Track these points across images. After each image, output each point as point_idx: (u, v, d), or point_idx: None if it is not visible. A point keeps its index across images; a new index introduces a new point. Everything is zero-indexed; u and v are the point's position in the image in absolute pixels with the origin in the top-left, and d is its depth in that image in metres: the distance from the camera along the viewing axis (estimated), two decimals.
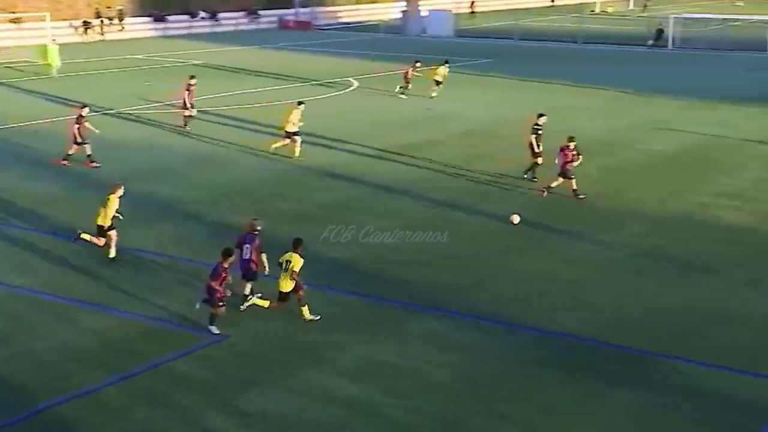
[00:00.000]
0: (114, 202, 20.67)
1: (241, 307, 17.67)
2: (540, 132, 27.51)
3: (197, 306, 17.11)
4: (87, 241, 20.82)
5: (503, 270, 20.67)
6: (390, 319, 17.88)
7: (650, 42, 65.27)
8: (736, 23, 70.20)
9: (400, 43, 68.34)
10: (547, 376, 15.59)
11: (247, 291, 17.96)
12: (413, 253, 21.55)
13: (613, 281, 20.03)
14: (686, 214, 24.81)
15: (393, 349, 16.37)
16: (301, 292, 17.35)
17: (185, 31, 73.49)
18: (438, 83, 42.74)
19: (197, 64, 54.62)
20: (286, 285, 17.29)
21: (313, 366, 15.87)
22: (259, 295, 17.75)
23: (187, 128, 34.77)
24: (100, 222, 20.61)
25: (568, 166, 25.61)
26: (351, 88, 46.66)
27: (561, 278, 19.96)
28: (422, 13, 76.99)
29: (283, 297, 17.43)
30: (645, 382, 15.34)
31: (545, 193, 26.04)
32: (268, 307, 17.55)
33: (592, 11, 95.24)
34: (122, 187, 21.06)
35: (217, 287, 16.71)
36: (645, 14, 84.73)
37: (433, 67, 44.26)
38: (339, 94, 45.08)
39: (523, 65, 54.87)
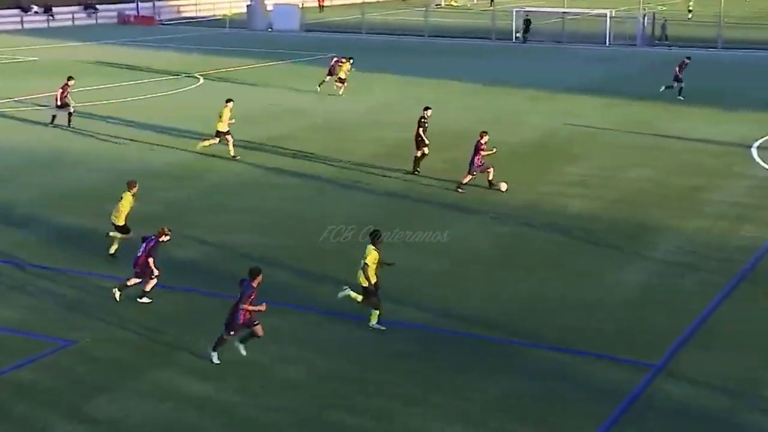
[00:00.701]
0: (128, 199, 20.42)
1: (339, 295, 17.41)
2: (426, 125, 28.02)
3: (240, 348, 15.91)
4: (112, 235, 20.76)
5: (358, 264, 20.82)
6: None
7: (518, 34, 67.06)
8: (576, 17, 72.80)
9: (246, 38, 67.81)
10: (406, 368, 15.83)
11: (131, 283, 18.06)
12: (267, 250, 21.46)
13: (469, 273, 20.48)
14: (533, 204, 25.63)
15: (246, 347, 16.27)
16: (372, 298, 17.09)
17: (17, 26, 70.79)
18: (342, 80, 42.43)
19: (33, 61, 52.71)
20: (361, 279, 17.13)
21: (165, 367, 15.64)
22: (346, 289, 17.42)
23: (71, 126, 34.34)
24: (114, 221, 20.52)
25: (481, 161, 26.10)
26: (196, 84, 46.02)
27: (419, 271, 20.26)
28: (268, 8, 76.60)
29: (362, 291, 17.18)
30: (505, 371, 15.80)
31: (459, 190, 26.30)
32: (361, 302, 17.27)
33: (438, 4, 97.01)
34: (137, 186, 20.73)
35: (246, 309, 15.52)
36: (491, 7, 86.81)
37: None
38: (184, 90, 44.38)
39: (370, 59, 55.32)
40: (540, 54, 60.20)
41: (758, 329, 17.45)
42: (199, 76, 48.02)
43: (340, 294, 17.44)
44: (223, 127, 29.68)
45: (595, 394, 15.00)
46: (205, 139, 30.42)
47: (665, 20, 67.11)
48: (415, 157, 28.30)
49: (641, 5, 70.82)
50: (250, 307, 15.47)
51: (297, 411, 14.33)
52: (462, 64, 55.10)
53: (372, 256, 16.96)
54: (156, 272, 17.98)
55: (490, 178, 26.48)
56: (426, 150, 28.20)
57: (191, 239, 22.03)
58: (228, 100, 30.35)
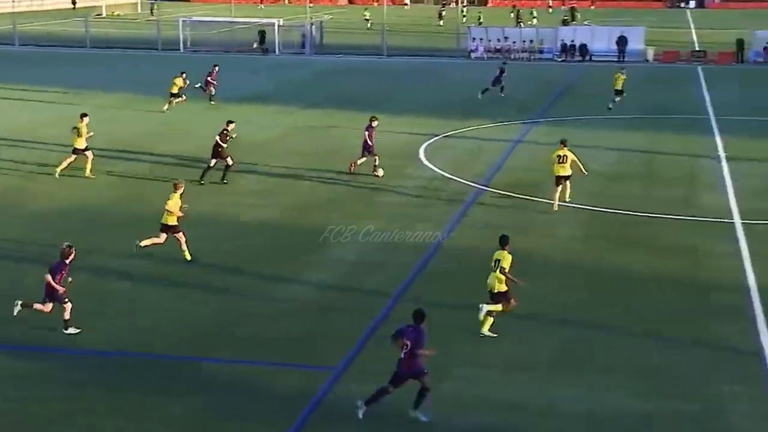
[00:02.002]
0: (176, 200, 21.32)
1: (480, 316, 17.33)
2: (229, 137, 28.66)
3: None
4: (147, 245, 21.36)
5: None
6: None
7: (255, 45, 66.70)
8: (246, 26, 73.44)
9: None
10: (86, 396, 15.15)
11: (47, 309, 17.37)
12: None
13: (141, 293, 19.92)
14: (213, 215, 25.39)
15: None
16: (510, 303, 17.35)
17: None
18: (174, 95, 40.92)
19: None
20: (498, 284, 17.21)
21: None
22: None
23: None
24: (164, 221, 21.39)
25: (370, 147, 29.32)
26: None
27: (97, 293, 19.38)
28: None
29: (496, 297, 17.28)
30: (186, 388, 15.48)
31: (353, 168, 29.63)
32: (503, 310, 17.34)
33: (99, 14, 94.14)
34: (183, 186, 21.85)
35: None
36: (154, 18, 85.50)
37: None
38: None
39: (22, 72, 52.57)
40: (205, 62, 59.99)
41: (433, 323, 18.27)
42: None
43: (481, 314, 17.37)
44: (81, 143, 28.76)
45: (277, 403, 15.05)
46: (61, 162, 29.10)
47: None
48: (210, 167, 28.58)
49: (308, 14, 72.68)
50: (427, 352, 14.50)
51: None
52: (129, 73, 53.77)
53: (507, 260, 17.35)
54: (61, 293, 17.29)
55: (376, 163, 29.57)
56: (230, 161, 28.72)
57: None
58: (83, 115, 29.27)
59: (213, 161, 28.70)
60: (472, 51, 65.73)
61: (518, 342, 17.50)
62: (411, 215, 25.76)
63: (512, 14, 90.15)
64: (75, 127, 29.03)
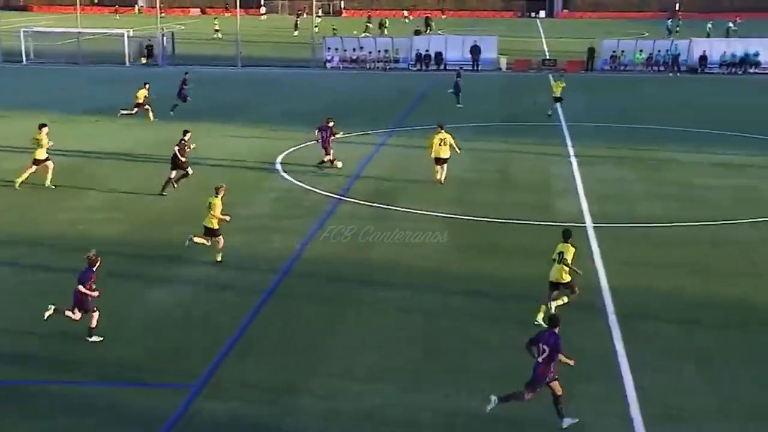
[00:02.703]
0: (218, 204, 22.18)
1: (552, 307, 18.27)
2: (187, 147, 28.84)
3: None
4: (197, 242, 22.35)
5: None
6: None
7: (143, 60, 65.74)
8: (95, 36, 71.82)
9: None
10: None
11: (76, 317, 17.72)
12: None
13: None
14: (58, 234, 24.70)
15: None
16: (573, 294, 18.67)
17: None
18: (138, 105, 41.42)
19: None
20: (563, 275, 18.45)
21: None
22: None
23: None
24: (207, 224, 22.30)
25: (328, 144, 31.63)
26: None
27: None
28: None
29: (560, 288, 18.59)
30: (42, 412, 15.00)
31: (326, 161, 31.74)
32: (568, 302, 18.60)
33: None
34: (224, 188, 22.72)
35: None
36: None
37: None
38: None
39: None
40: (52, 75, 58.39)
41: (292, 336, 18.25)
42: None
43: (553, 306, 18.39)
44: (42, 154, 29.02)
45: (133, 424, 14.73)
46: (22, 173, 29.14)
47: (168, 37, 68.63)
48: (169, 178, 28.66)
49: (159, 25, 71.55)
50: (568, 360, 14.72)
51: None
52: None
53: (570, 251, 18.49)
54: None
55: (330, 157, 31.86)
56: (189, 170, 29.09)
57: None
58: (42, 126, 29.49)
59: (173, 173, 28.76)
60: (327, 61, 66.04)
61: (380, 351, 17.61)
62: (267, 227, 25.63)
63: (367, 24, 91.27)
64: (35, 138, 29.28)
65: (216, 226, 22.28)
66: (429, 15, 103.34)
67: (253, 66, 64.69)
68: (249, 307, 19.64)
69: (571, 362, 14.75)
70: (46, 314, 17.74)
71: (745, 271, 22.36)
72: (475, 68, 63.81)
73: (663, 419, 15.16)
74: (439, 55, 65.67)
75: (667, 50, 65.47)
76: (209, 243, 22.44)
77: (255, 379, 16.27)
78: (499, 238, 24.91)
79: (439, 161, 29.93)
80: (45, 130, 29.47)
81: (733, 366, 17.12)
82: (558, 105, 44.51)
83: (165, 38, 68.83)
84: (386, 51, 66.64)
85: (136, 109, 41.76)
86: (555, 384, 14.52)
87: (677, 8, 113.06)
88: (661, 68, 64.51)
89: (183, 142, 28.84)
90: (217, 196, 22.44)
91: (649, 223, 26.21)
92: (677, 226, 26.00)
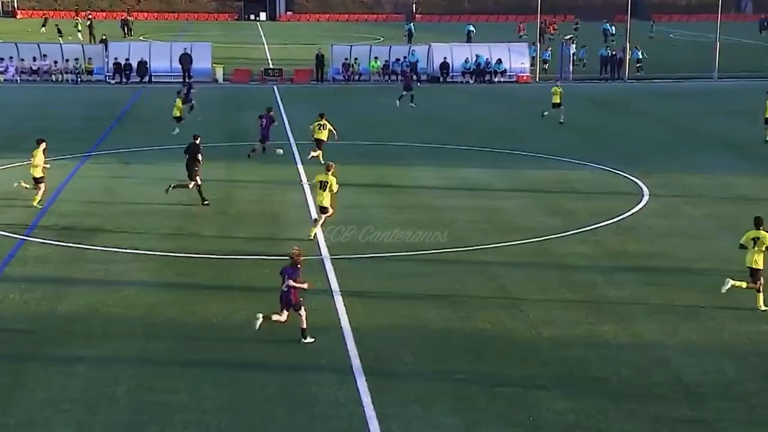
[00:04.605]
0: (334, 183, 27.04)
1: (723, 290, 22.12)
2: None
3: None
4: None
5: None
6: None
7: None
8: None
9: None
10: None
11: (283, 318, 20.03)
12: None
13: None
14: None
15: None
16: (759, 279, 22.16)
17: None
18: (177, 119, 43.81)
19: None
20: (754, 262, 22.16)
21: None
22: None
23: None
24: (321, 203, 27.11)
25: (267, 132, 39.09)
26: None
27: None
28: None
29: (755, 274, 22.21)
30: None
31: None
32: (747, 287, 22.25)
33: None
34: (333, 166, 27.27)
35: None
36: None
37: None
38: None
39: None
40: None
41: None
42: None
43: (724, 288, 22.01)
44: (39, 172, 30.52)
45: None
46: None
47: None
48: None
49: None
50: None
51: None
52: None
53: (765, 238, 22.05)
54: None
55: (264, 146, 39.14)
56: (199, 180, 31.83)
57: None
58: (40, 141, 31.08)
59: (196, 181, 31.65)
60: (1, 72, 63.64)
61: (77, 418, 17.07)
62: None
63: (42, 28, 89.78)
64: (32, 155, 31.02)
65: (328, 204, 27.35)
66: (127, 17, 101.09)
67: None
68: None
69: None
70: (257, 323, 19.83)
71: (496, 299, 23.42)
72: (186, 80, 61.34)
73: None
74: (142, 64, 64.57)
75: (405, 57, 67.50)
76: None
77: None
78: (230, 275, 24.78)
79: (320, 143, 38.11)
80: (42, 146, 31.32)
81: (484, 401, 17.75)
82: (555, 111, 49.67)
83: None
84: (76, 60, 64.97)
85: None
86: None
87: (415, 11, 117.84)
88: (400, 78, 62.53)
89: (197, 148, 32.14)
90: (334, 176, 27.37)
91: (392, 252, 26.93)
92: (422, 253, 26.88)
